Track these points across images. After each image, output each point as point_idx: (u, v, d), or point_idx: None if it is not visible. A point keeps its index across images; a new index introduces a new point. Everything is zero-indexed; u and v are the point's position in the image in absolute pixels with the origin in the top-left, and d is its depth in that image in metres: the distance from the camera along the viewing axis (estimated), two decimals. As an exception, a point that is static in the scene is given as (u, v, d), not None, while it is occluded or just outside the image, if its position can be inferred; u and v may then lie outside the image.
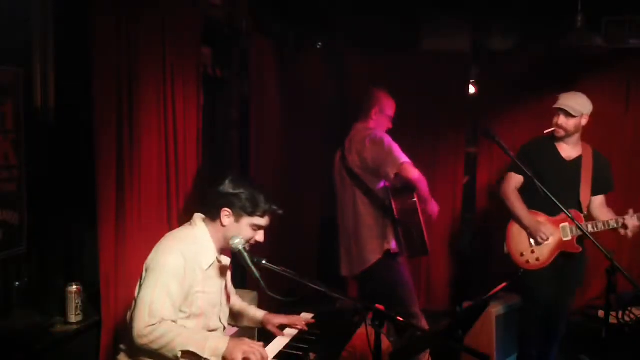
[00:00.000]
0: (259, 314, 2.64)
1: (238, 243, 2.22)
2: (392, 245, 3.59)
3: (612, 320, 3.64)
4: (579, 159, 3.54)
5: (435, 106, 4.87)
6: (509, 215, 3.62)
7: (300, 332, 2.53)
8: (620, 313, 3.79)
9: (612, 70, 4.58)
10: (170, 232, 2.37)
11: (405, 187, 3.54)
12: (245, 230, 2.29)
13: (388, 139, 3.56)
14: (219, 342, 2.15)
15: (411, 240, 3.58)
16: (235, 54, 4.09)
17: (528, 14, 4.51)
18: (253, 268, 2.17)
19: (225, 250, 2.39)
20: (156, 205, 2.99)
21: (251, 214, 2.28)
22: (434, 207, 3.66)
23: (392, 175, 3.47)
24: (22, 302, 2.56)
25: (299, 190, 4.85)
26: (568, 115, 3.42)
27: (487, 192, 4.91)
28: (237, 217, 2.28)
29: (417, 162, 4.22)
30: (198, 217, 2.38)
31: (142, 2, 2.87)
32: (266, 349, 2.35)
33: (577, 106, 3.41)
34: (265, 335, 2.59)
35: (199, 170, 3.48)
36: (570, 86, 4.45)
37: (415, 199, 3.57)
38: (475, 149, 5.02)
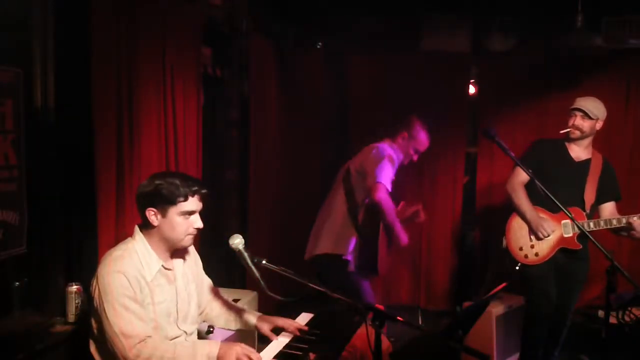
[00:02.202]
0: (253, 315, 2.58)
1: (238, 243, 2.19)
2: (347, 252, 3.58)
3: (612, 320, 3.64)
4: (587, 162, 3.57)
5: (435, 106, 4.87)
6: (512, 210, 3.63)
7: (297, 335, 2.51)
8: (620, 313, 3.78)
9: (612, 70, 4.58)
10: (108, 252, 2.23)
11: (375, 210, 3.50)
12: (178, 222, 2.18)
13: (388, 159, 3.57)
14: (211, 346, 2.15)
15: (362, 257, 3.58)
16: (235, 54, 4.09)
17: (528, 14, 4.51)
18: (253, 268, 2.16)
19: (175, 251, 2.30)
20: (156, 205, 2.99)
21: (174, 202, 2.15)
22: (402, 239, 3.59)
23: (368, 189, 3.50)
24: (22, 302, 2.56)
25: (299, 190, 4.85)
26: (585, 116, 3.46)
27: (488, 192, 4.91)
28: (163, 212, 2.17)
29: (417, 162, 4.20)
30: (136, 228, 2.27)
31: (142, 3, 2.87)
32: (265, 350, 2.35)
33: (595, 109, 3.46)
34: (265, 336, 2.59)
35: (199, 170, 3.48)
36: (570, 86, 4.46)
37: (379, 227, 3.55)
38: (475, 149, 5.02)
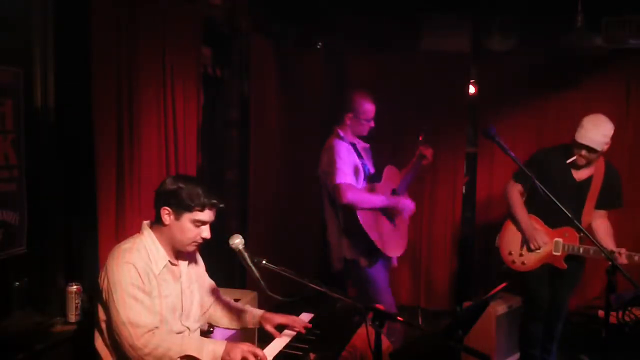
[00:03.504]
0: (257, 312, 2.61)
1: (238, 243, 2.20)
2: (347, 254, 3.59)
3: (612, 320, 3.64)
4: (589, 179, 3.49)
5: (435, 106, 4.87)
6: (510, 216, 3.63)
7: (299, 333, 2.52)
8: (620, 313, 3.78)
9: (612, 70, 4.57)
10: (117, 245, 2.28)
11: (352, 208, 3.49)
12: (188, 227, 2.23)
13: (340, 152, 3.51)
14: (216, 345, 2.17)
15: (360, 249, 3.56)
16: (235, 54, 4.09)
17: (528, 14, 4.51)
18: (253, 268, 2.17)
19: (181, 252, 2.34)
20: (156, 205, 2.99)
21: (190, 209, 2.20)
22: (403, 208, 3.61)
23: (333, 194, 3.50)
24: (22, 302, 2.56)
25: (299, 190, 4.85)
26: (593, 151, 3.33)
27: (488, 192, 4.91)
28: (177, 215, 2.22)
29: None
30: (144, 223, 2.33)
31: (142, 3, 2.87)
32: (266, 349, 2.35)
33: (603, 139, 3.30)
34: (265, 336, 2.59)
35: (198, 169, 3.48)
36: (570, 86, 4.44)
37: (357, 217, 3.50)
38: (475, 149, 5.01)
